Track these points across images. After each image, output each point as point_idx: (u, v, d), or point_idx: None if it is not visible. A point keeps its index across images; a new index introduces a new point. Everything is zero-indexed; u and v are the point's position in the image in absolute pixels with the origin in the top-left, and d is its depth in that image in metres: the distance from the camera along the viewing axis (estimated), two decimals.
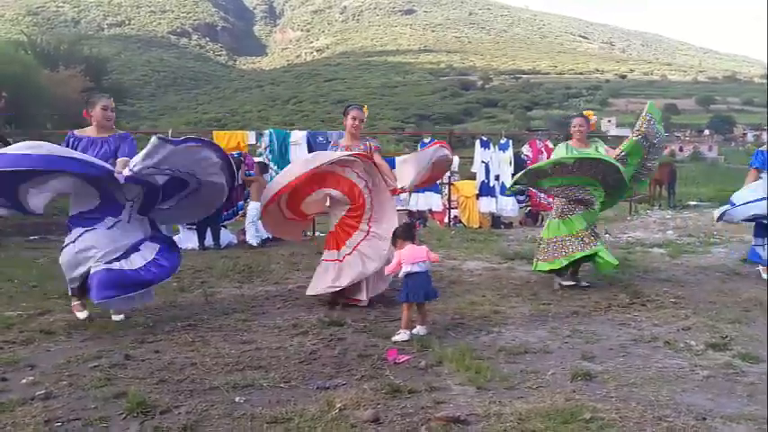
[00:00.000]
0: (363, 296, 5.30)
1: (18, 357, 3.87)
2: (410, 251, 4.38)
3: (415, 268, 4.31)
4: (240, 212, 10.31)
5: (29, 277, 6.55)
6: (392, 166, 11.43)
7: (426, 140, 12.46)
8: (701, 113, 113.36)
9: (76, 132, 4.96)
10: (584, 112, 6.64)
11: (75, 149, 4.74)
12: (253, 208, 9.96)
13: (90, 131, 4.95)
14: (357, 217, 5.40)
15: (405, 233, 4.51)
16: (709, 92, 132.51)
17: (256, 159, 10.66)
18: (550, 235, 6.12)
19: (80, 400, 3.17)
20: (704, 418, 2.86)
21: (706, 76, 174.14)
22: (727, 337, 4.21)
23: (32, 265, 7.38)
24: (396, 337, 4.23)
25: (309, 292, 5.43)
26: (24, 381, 3.45)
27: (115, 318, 4.89)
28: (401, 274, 4.40)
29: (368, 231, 5.35)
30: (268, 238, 9.89)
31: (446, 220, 13.21)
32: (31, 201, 4.57)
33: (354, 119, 5.68)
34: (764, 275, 6.40)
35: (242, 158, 10.27)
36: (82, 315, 4.80)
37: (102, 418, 2.91)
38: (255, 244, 9.66)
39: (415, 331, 4.30)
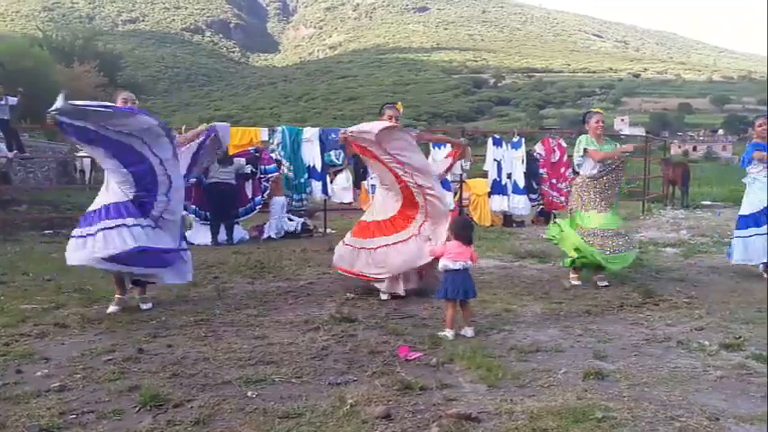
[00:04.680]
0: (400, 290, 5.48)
1: (33, 350, 3.91)
2: (455, 247, 4.33)
3: (456, 266, 4.27)
4: (258, 207, 10.37)
5: (43, 271, 6.62)
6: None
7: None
8: (715, 113, 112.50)
9: None
10: (595, 109, 6.66)
11: None
12: (275, 203, 10.22)
13: None
14: (408, 218, 5.54)
15: (458, 229, 4.44)
16: (723, 91, 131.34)
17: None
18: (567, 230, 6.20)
19: (94, 392, 3.20)
20: (717, 419, 2.84)
21: (721, 76, 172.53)
22: (740, 337, 4.18)
23: (47, 259, 7.45)
24: (440, 333, 4.23)
25: (336, 263, 5.75)
26: (39, 373, 3.48)
27: (143, 306, 5.03)
28: (440, 268, 4.38)
29: (418, 232, 5.45)
30: (287, 231, 10.23)
31: None
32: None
33: (391, 117, 5.70)
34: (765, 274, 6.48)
35: (258, 154, 10.33)
36: (109, 309, 4.93)
37: (116, 411, 2.94)
38: (274, 235, 9.96)
39: (462, 332, 4.27)
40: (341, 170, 11.20)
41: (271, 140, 10.90)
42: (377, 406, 2.95)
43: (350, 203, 11.57)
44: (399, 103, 6.01)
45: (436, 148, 12.33)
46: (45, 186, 14.46)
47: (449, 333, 4.21)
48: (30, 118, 15.44)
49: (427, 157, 12.45)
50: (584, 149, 6.18)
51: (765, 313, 4.84)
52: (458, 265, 4.27)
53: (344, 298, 5.47)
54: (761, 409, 2.97)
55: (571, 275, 6.17)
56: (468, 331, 4.27)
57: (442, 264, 4.35)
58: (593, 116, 6.33)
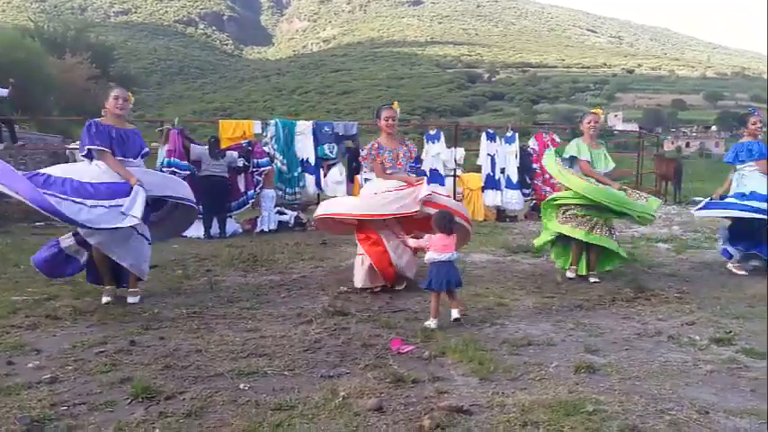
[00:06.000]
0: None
1: (24, 342, 3.89)
2: (440, 240, 4.41)
3: (442, 257, 4.35)
4: (251, 201, 10.35)
5: None
6: (416, 163, 11.46)
7: (432, 132, 12.45)
8: (708, 109, 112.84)
9: (99, 121, 5.05)
10: (594, 110, 6.64)
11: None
12: (265, 196, 10.22)
13: (109, 121, 5.05)
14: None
15: (439, 223, 4.49)
16: (717, 88, 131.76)
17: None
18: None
19: (85, 384, 3.19)
20: (707, 412, 2.86)
21: (714, 72, 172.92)
22: (731, 332, 4.20)
23: (38, 250, 7.40)
24: (425, 323, 4.31)
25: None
26: (30, 365, 3.47)
27: (130, 300, 5.00)
28: (426, 260, 4.45)
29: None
30: (281, 222, 10.25)
31: None
32: None
33: (387, 119, 5.64)
34: (735, 270, 6.53)
35: (250, 147, 10.30)
36: (105, 299, 4.95)
37: (108, 403, 2.93)
38: (267, 229, 9.95)
39: (453, 317, 4.36)
40: (334, 164, 11.19)
41: (264, 134, 10.88)
42: (369, 398, 2.96)
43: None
44: (396, 102, 5.94)
45: (430, 142, 12.35)
46: None
47: (431, 323, 4.30)
48: (21, 109, 15.33)
49: (421, 152, 12.50)
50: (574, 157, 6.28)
51: (755, 308, 4.88)
52: (444, 257, 4.36)
53: (337, 291, 5.48)
54: (750, 403, 2.99)
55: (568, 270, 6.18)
56: (454, 312, 4.36)
57: (428, 256, 4.44)
58: (588, 116, 6.38)
